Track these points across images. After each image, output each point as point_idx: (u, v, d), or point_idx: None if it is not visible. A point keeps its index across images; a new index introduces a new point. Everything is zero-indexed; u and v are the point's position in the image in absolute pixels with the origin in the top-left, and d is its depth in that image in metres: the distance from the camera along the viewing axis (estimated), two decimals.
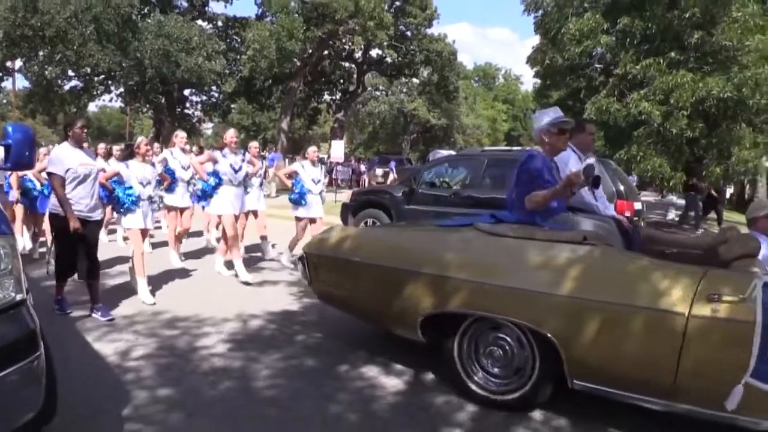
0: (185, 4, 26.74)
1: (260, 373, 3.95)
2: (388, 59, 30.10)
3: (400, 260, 3.84)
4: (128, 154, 6.29)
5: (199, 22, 26.56)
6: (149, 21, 22.55)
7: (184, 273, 7.21)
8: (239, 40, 27.10)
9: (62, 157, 4.92)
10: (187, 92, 29.04)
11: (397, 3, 27.60)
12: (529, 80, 63.12)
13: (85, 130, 5.24)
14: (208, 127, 53.42)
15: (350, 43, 27.24)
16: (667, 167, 13.64)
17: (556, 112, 3.89)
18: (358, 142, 53.17)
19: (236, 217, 7.11)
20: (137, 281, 5.87)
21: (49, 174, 4.97)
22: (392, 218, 9.41)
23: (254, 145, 8.32)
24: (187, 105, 30.46)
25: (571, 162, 4.12)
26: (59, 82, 24.10)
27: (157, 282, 6.40)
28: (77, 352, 4.22)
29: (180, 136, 8.57)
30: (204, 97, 30.30)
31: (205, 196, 7.06)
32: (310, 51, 26.54)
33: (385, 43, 26.49)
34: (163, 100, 27.36)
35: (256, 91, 29.20)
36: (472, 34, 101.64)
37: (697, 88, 12.29)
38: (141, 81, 23.71)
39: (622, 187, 7.73)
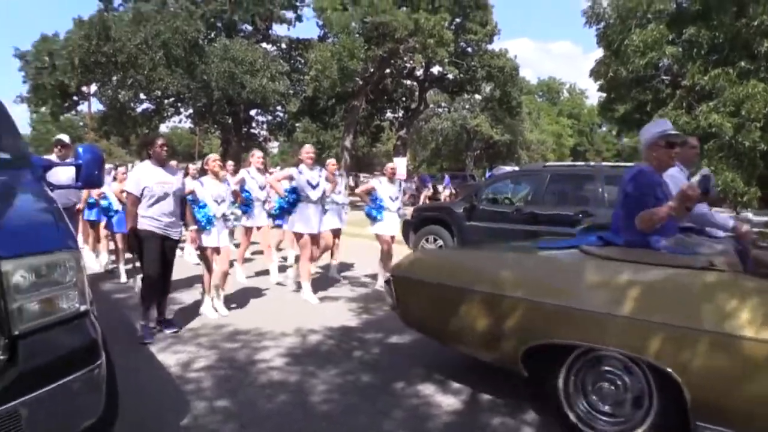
0: (249, 28, 27.62)
1: (316, 388, 3.99)
2: (450, 76, 30.07)
3: (501, 286, 3.54)
4: (203, 173, 6.43)
5: (264, 44, 27.39)
6: (215, 45, 23.40)
7: (249, 289, 7.36)
8: (302, 61, 27.72)
9: (140, 176, 5.12)
10: (252, 112, 29.91)
11: (458, 20, 27.55)
12: (594, 94, 61.98)
13: (165, 149, 5.32)
14: (273, 146, 54.74)
15: (411, 61, 27.34)
16: (740, 182, 13.06)
17: (665, 125, 3.65)
18: (421, 159, 53.30)
19: (314, 236, 6.86)
20: (205, 297, 5.98)
21: (127, 192, 5.19)
22: (453, 235, 9.36)
23: (332, 162, 8.18)
24: (253, 125, 31.33)
25: (676, 177, 3.89)
26: (132, 105, 25.34)
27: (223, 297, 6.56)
28: (142, 363, 4.39)
29: (257, 155, 8.47)
30: (269, 117, 31.12)
31: (282, 213, 7.03)
32: (372, 70, 26.83)
33: (446, 60, 26.46)
34: (230, 121, 28.28)
35: (320, 110, 29.75)
36: (534, 49, 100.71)
37: None
38: (208, 102, 24.59)
39: None
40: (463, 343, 3.95)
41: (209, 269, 5.85)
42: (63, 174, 5.33)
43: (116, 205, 7.48)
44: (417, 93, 33.56)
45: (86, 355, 2.36)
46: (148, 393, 3.76)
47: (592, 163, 9.37)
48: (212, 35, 25.12)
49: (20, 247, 2.23)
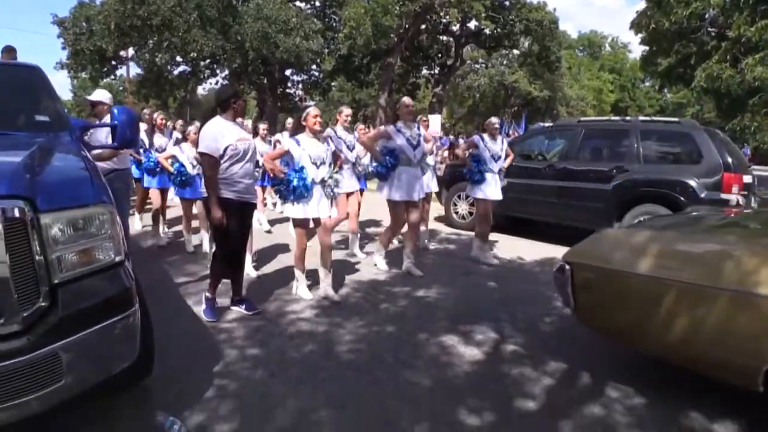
0: None
1: (343, 338, 4.15)
2: (486, 31, 29.49)
3: (747, 281, 2.79)
4: (296, 127, 5.59)
5: (297, 3, 27.19)
6: (248, 5, 23.35)
7: (281, 245, 7.49)
8: (336, 18, 27.50)
9: (218, 133, 4.26)
10: (287, 72, 29.92)
11: None
12: (637, 48, 59.96)
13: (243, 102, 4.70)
14: (309, 105, 54.82)
15: (446, 16, 26.91)
16: None
17: None
18: (458, 116, 52.72)
19: (414, 205, 6.12)
20: (298, 278, 5.28)
21: (201, 154, 4.34)
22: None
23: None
24: (288, 84, 31.37)
25: None
26: (169, 67, 25.60)
27: (264, 254, 6.83)
28: (178, 313, 4.61)
29: (345, 112, 6.95)
30: (304, 77, 31.09)
31: (381, 178, 6.15)
32: (406, 26, 26.46)
33: (483, 14, 25.91)
34: (265, 81, 28.37)
35: (355, 68, 29.58)
36: (574, 2, 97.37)
37: None
38: (243, 63, 24.69)
39: (730, 159, 7.27)
40: (677, 354, 3.21)
41: (302, 245, 5.10)
42: (103, 134, 5.10)
43: (191, 169, 6.76)
44: (453, 49, 33.00)
45: (121, 302, 2.53)
46: (183, 341, 3.97)
47: (627, 118, 9.19)
48: None
49: (58, 201, 2.39)
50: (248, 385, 3.33)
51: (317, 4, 29.04)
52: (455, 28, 30.59)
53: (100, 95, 5.94)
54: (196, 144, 5.83)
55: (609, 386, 3.50)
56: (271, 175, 5.16)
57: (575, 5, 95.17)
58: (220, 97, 4.47)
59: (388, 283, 5.83)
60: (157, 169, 7.29)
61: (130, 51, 26.02)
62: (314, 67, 29.03)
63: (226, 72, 27.76)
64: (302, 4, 27.87)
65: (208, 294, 4.58)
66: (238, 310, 4.61)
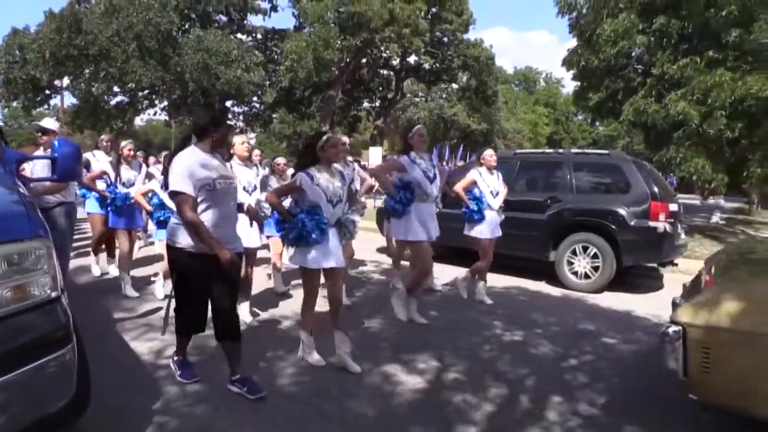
0: (224, 19, 27.39)
1: (285, 371, 4.13)
2: (426, 65, 30.25)
3: None
4: (308, 161, 4.24)
5: (239, 35, 27.20)
6: (189, 36, 23.20)
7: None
8: (278, 51, 27.61)
9: (193, 166, 3.45)
10: (228, 104, 29.70)
11: (433, 9, 27.65)
12: (570, 83, 62.47)
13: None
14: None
15: (387, 51, 27.47)
16: (708, 169, 13.33)
17: None
18: (398, 148, 53.36)
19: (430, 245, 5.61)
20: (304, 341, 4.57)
21: (173, 194, 3.46)
22: None
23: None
24: (229, 116, 31.13)
25: None
26: (105, 98, 25.02)
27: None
28: (115, 350, 4.48)
29: (342, 140, 6.72)
30: (245, 108, 30.93)
31: (395, 215, 5.50)
32: (347, 60, 26.84)
33: (422, 50, 26.64)
34: None
35: (296, 100, 29.66)
36: (510, 39, 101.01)
37: (737, 87, 11.99)
38: (183, 94, 24.41)
39: (656, 189, 7.65)
40: None
41: (312, 301, 4.34)
42: (40, 166, 4.95)
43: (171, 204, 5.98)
44: (393, 82, 33.64)
45: (57, 339, 2.47)
46: (122, 378, 3.86)
47: (560, 150, 9.56)
48: (186, 26, 24.86)
49: None
50: (190, 421, 3.27)
51: (259, 36, 29.11)
52: (395, 62, 31.25)
53: (51, 123, 5.87)
54: None
55: (549, 410, 3.61)
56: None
57: (510, 42, 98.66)
58: (197, 124, 3.70)
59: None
60: (125, 207, 6.56)
61: (65, 80, 25.38)
62: (255, 99, 28.93)
63: (165, 103, 27.37)
64: (243, 37, 27.90)
65: (175, 356, 3.95)
66: (238, 392, 3.67)
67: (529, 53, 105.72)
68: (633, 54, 15.56)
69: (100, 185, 6.69)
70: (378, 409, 3.54)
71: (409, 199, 5.36)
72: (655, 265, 8.61)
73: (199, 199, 3.46)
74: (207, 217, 3.49)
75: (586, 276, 7.62)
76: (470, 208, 6.37)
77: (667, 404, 3.77)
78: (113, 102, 26.34)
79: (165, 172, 3.63)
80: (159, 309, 5.70)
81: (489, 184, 6.43)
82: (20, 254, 2.40)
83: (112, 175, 6.69)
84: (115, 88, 24.79)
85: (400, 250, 6.98)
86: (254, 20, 29.62)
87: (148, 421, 3.24)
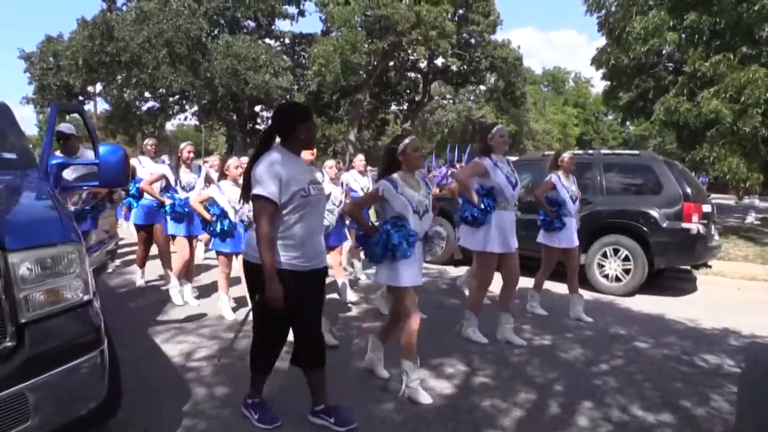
0: (252, 25, 27.75)
1: None
2: (453, 67, 30.16)
3: None
4: (390, 168, 3.86)
5: (267, 40, 27.54)
6: (218, 42, 23.55)
7: None
8: (306, 56, 27.83)
9: (283, 170, 2.97)
10: (257, 108, 30.07)
11: (460, 11, 27.59)
12: (599, 82, 61.71)
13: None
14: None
15: (414, 54, 27.45)
16: (743, 168, 13.05)
17: None
18: (427, 151, 53.31)
19: (509, 256, 5.09)
20: None
21: (256, 198, 2.96)
22: (454, 225, 9.46)
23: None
24: (258, 121, 31.48)
25: None
26: (137, 103, 25.58)
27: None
28: (146, 353, 4.54)
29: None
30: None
31: (474, 224, 4.95)
32: (375, 63, 26.92)
33: (449, 52, 26.57)
34: (234, 117, 28.47)
35: (324, 104, 29.87)
36: (538, 39, 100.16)
37: None
38: (213, 99, 24.79)
39: (689, 189, 7.51)
40: None
41: (415, 324, 3.82)
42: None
43: (233, 216, 5.47)
44: (421, 85, 33.62)
45: (89, 341, 2.51)
46: (151, 381, 3.91)
47: (590, 151, 9.43)
48: (215, 32, 25.27)
49: (26, 240, 2.38)
50: (218, 424, 3.30)
51: (286, 41, 29.42)
52: (423, 65, 31.23)
53: (68, 128, 5.92)
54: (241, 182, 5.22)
55: (579, 415, 3.56)
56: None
57: (538, 42, 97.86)
58: (281, 120, 3.17)
59: (358, 318, 5.84)
60: (185, 213, 6.08)
61: (98, 86, 25.94)
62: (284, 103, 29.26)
63: (196, 108, 27.81)
64: (272, 42, 28.26)
65: (249, 399, 3.39)
66: (323, 424, 3.26)
67: (558, 53, 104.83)
68: (664, 52, 15.32)
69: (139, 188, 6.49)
70: (405, 414, 3.52)
71: (492, 207, 4.86)
72: (689, 267, 8.45)
73: (289, 209, 2.97)
74: (300, 231, 3.01)
75: (618, 279, 7.51)
76: (548, 214, 5.93)
77: (701, 410, 3.70)
78: (145, 107, 26.93)
79: (246, 182, 3.11)
80: (196, 315, 5.76)
81: (568, 189, 5.99)
82: (53, 258, 2.45)
83: (172, 178, 6.30)
84: (147, 94, 25.32)
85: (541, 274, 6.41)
86: (282, 25, 30.08)
87: (177, 423, 3.28)
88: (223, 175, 5.72)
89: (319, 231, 3.21)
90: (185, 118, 31.29)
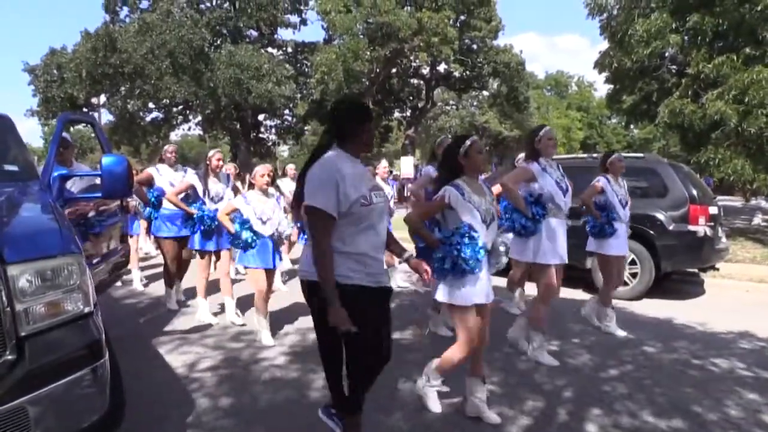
0: (255, 34, 27.85)
1: (318, 384, 4.09)
2: (456, 73, 30.21)
3: None
4: (452, 172, 3.50)
5: (269, 49, 27.64)
6: (221, 52, 23.67)
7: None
8: (308, 64, 27.92)
9: (342, 176, 2.59)
10: (260, 117, 30.16)
11: (461, 17, 27.64)
12: (602, 86, 61.65)
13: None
14: (283, 150, 54.99)
15: (416, 60, 27.53)
16: (749, 169, 12.95)
17: None
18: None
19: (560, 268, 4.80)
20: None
21: (311, 210, 2.58)
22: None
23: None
24: (262, 129, 31.57)
25: None
26: (141, 114, 25.71)
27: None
28: (149, 364, 4.52)
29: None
30: (277, 121, 31.36)
31: (525, 234, 4.64)
32: (377, 70, 26.96)
33: (452, 58, 26.61)
34: (238, 126, 28.54)
35: (328, 112, 29.95)
36: (540, 44, 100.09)
37: None
38: (216, 109, 24.89)
39: (695, 192, 7.45)
40: None
41: (472, 342, 3.47)
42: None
43: (261, 228, 5.05)
44: (424, 91, 33.68)
45: (90, 354, 2.48)
46: (155, 392, 3.89)
47: (594, 155, 9.39)
48: (218, 42, 25.42)
49: (26, 252, 2.36)
50: None
51: (289, 50, 29.51)
52: (425, 71, 31.29)
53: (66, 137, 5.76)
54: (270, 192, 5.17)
55: (588, 422, 3.51)
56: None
57: (541, 47, 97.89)
58: (341, 119, 2.77)
59: None
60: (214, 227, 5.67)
61: (102, 98, 26.07)
62: (287, 111, 29.34)
63: (199, 118, 27.91)
64: (274, 51, 28.37)
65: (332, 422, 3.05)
66: (332, 428, 3.05)
67: (560, 57, 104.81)
68: (667, 54, 15.26)
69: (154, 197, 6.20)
70: (412, 422, 3.49)
71: (542, 215, 4.53)
72: (696, 270, 8.38)
73: (349, 219, 2.60)
74: (362, 243, 2.65)
75: (624, 283, 7.44)
76: (599, 219, 5.60)
77: (713, 415, 3.64)
78: (148, 118, 27.07)
79: (298, 190, 2.75)
80: (200, 325, 5.72)
81: (617, 193, 5.64)
82: (53, 270, 2.42)
83: (200, 189, 5.84)
84: (150, 105, 25.46)
85: (520, 272, 6.22)
86: (284, 34, 30.15)
87: None
88: (249, 185, 5.39)
89: (383, 243, 2.81)
90: (189, 128, 31.43)
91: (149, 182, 6.45)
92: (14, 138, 3.93)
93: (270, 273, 5.24)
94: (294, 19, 28.10)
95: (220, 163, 5.97)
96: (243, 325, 5.66)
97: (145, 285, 7.82)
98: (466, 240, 3.26)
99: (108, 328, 2.71)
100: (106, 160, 3.48)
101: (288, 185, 8.08)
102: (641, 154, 8.88)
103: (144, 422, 3.33)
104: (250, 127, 29.42)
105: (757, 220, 17.50)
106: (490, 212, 3.43)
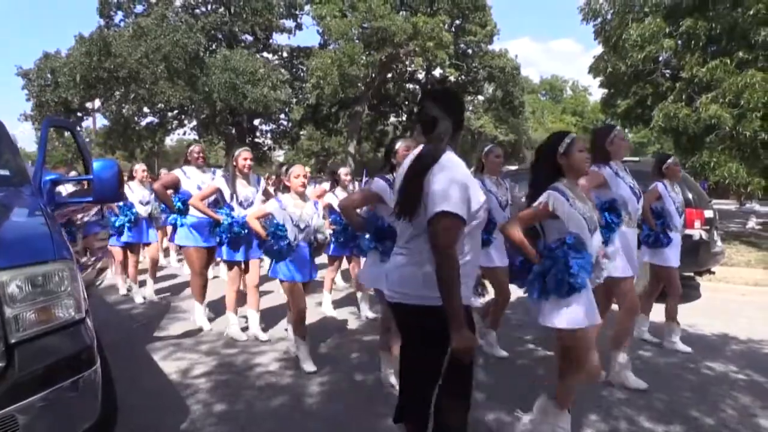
0: (250, 39, 27.84)
1: (313, 390, 4.07)
2: (451, 78, 30.22)
3: None
4: (550, 174, 3.10)
5: (265, 54, 27.65)
6: (216, 56, 23.66)
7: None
8: (304, 68, 27.92)
9: (469, 183, 2.26)
10: (256, 122, 30.14)
11: (457, 22, 27.69)
12: (597, 91, 61.87)
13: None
14: (278, 155, 54.97)
15: (411, 65, 27.53)
16: (743, 173, 12.99)
17: None
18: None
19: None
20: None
21: (445, 215, 2.14)
22: None
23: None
24: (257, 134, 31.54)
25: None
26: (136, 119, 25.65)
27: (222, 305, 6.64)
28: (143, 370, 4.48)
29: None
30: (273, 126, 31.33)
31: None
32: (373, 75, 26.96)
33: (447, 63, 26.63)
34: (233, 131, 28.51)
35: (323, 117, 29.96)
36: (535, 49, 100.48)
37: None
38: (211, 114, 24.88)
39: (690, 195, 7.44)
40: None
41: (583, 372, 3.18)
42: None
43: (297, 236, 4.54)
44: (419, 96, 33.68)
45: (81, 360, 2.44)
46: (149, 398, 3.86)
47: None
48: (213, 47, 25.41)
49: (16, 258, 2.32)
50: None
51: (284, 54, 29.50)
52: (421, 76, 31.31)
53: None
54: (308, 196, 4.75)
55: (586, 428, 3.49)
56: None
57: (535, 52, 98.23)
58: (461, 109, 2.42)
59: (357, 332, 5.78)
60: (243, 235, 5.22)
61: (96, 102, 25.99)
62: (282, 116, 29.32)
63: (194, 122, 27.87)
64: (269, 55, 28.36)
65: None
66: None
67: (555, 63, 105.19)
68: (660, 58, 15.31)
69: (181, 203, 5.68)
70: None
71: (617, 223, 3.98)
72: (692, 274, 8.38)
73: (467, 231, 2.25)
74: (472, 258, 2.33)
75: None
76: (654, 228, 5.11)
77: (710, 419, 3.63)
78: (143, 123, 26.99)
79: (411, 193, 2.25)
80: (194, 330, 5.68)
81: (675, 200, 5.21)
82: (44, 276, 2.39)
83: (227, 193, 5.36)
84: (145, 109, 25.40)
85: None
86: (279, 39, 30.05)
87: None
88: (284, 188, 4.92)
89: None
90: (184, 133, 31.35)
91: (175, 185, 5.85)
92: (6, 142, 3.89)
93: (308, 287, 4.78)
94: (289, 23, 28.11)
95: (247, 162, 5.40)
96: (267, 341, 5.27)
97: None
98: (573, 253, 2.89)
99: (101, 334, 2.68)
100: (97, 164, 3.45)
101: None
102: (636, 158, 8.89)
103: (137, 429, 3.30)
104: (246, 131, 29.38)
105: (752, 223, 17.55)
106: (593, 220, 3.05)
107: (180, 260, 9.05)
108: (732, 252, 11.07)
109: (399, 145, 3.79)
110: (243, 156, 5.38)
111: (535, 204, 2.96)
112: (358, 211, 3.95)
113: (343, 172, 6.58)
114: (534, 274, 2.97)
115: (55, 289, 2.41)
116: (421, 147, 2.33)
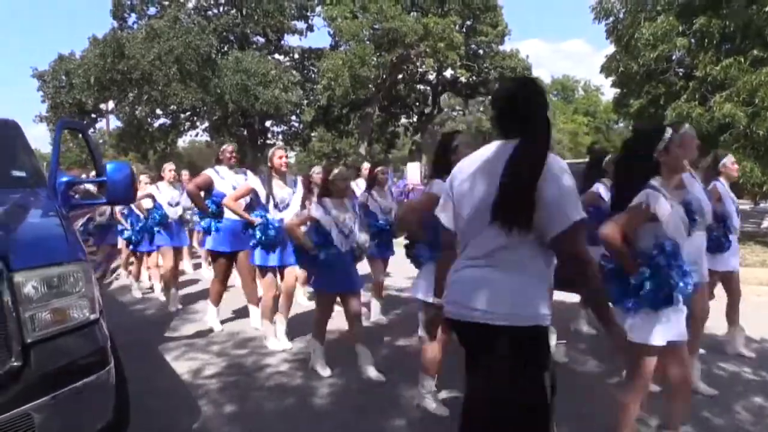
0: (262, 40, 27.93)
1: (322, 391, 4.09)
2: (462, 79, 30.14)
3: None
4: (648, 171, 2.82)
5: (276, 56, 27.72)
6: (228, 58, 23.73)
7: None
8: (315, 70, 27.96)
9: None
10: (267, 123, 30.20)
11: (468, 22, 27.62)
12: (609, 90, 61.52)
13: None
14: (290, 156, 55.05)
15: (422, 66, 27.50)
16: (758, 172, 12.87)
17: None
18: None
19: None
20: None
21: (581, 222, 1.99)
22: None
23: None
24: (269, 135, 31.61)
25: None
26: (149, 120, 25.78)
27: (234, 305, 6.70)
28: (155, 370, 4.53)
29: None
30: (284, 127, 31.39)
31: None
32: (384, 76, 26.96)
33: (458, 63, 26.58)
34: (245, 132, 28.61)
35: (334, 118, 29.97)
36: (546, 50, 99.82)
37: None
38: (223, 115, 24.96)
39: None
40: None
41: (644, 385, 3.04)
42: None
43: (344, 243, 4.35)
44: (430, 97, 33.64)
45: (96, 361, 2.48)
46: (161, 398, 3.90)
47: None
48: (225, 49, 25.50)
49: (32, 259, 2.37)
50: None
51: (296, 56, 29.56)
52: (432, 77, 31.24)
53: None
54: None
55: (597, 428, 3.48)
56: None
57: (547, 52, 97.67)
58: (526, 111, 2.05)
59: (367, 334, 5.77)
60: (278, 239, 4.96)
61: (110, 104, 26.19)
62: (294, 118, 29.37)
63: (206, 124, 28.00)
64: (281, 57, 28.42)
65: None
66: None
67: (566, 63, 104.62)
68: (673, 57, 15.24)
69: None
70: (414, 431, 3.46)
71: (693, 227, 3.43)
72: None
73: None
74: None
75: None
76: (714, 231, 4.48)
77: (721, 420, 3.61)
78: (156, 124, 27.14)
79: (522, 202, 1.94)
80: (205, 330, 5.72)
81: (733, 200, 4.77)
82: (59, 277, 2.42)
83: (262, 194, 5.07)
84: (158, 111, 25.55)
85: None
86: (291, 40, 30.11)
87: None
88: (326, 192, 4.45)
89: None
90: (196, 135, 31.46)
91: (209, 186, 5.59)
92: (23, 144, 3.94)
93: (357, 296, 4.47)
94: (300, 25, 28.16)
95: (282, 160, 5.16)
96: (289, 349, 5.10)
97: (151, 289, 7.85)
98: (674, 261, 2.64)
99: (115, 335, 2.71)
100: (110, 166, 3.51)
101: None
102: None
103: (150, 429, 3.33)
104: (257, 133, 29.46)
105: (766, 223, 17.38)
106: (686, 223, 2.83)
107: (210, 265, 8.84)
108: (746, 252, 10.98)
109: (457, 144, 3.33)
110: (278, 155, 5.14)
111: (633, 205, 2.67)
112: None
113: (380, 170, 6.09)
114: (632, 285, 2.70)
115: (70, 290, 2.45)
116: (510, 144, 2.01)
